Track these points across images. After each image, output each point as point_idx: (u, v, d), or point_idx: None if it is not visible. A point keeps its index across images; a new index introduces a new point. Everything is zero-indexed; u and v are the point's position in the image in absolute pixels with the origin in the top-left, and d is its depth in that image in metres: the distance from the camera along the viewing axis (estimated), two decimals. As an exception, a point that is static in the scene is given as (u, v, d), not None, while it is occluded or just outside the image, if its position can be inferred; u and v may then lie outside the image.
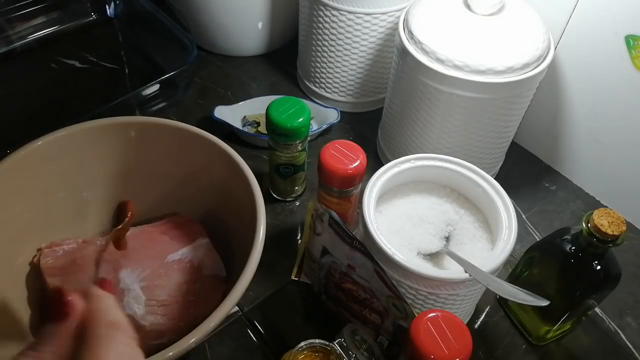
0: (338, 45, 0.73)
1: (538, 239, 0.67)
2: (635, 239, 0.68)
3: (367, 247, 0.47)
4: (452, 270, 0.50)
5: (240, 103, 0.77)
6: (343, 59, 0.74)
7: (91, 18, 0.90)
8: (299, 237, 0.66)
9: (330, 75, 0.77)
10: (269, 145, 0.63)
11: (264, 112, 0.61)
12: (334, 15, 0.70)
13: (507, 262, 0.50)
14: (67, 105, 0.77)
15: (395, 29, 0.70)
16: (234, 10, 0.81)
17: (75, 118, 0.57)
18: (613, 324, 0.60)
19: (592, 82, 0.65)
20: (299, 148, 0.63)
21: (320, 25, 0.72)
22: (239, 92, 0.82)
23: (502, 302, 0.61)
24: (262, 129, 0.74)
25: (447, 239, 0.54)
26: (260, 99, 0.77)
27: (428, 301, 0.49)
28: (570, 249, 0.51)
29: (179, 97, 0.79)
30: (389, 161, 0.55)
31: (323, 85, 0.80)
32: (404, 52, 0.60)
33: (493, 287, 0.45)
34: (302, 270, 0.60)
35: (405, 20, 0.61)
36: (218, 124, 0.73)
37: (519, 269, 0.57)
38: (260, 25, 0.84)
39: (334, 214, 0.49)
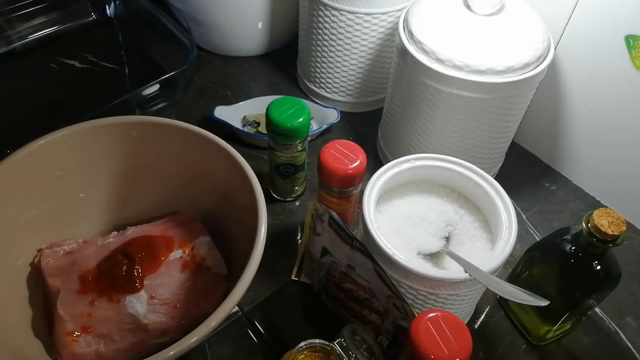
0: (338, 45, 0.73)
1: (538, 239, 0.67)
2: (635, 239, 0.68)
3: (367, 247, 0.47)
4: (452, 270, 0.50)
5: (240, 103, 0.77)
6: (343, 59, 0.74)
7: (91, 18, 0.90)
8: (299, 237, 0.66)
9: (330, 75, 0.77)
10: (269, 145, 0.63)
11: (264, 112, 0.61)
12: (334, 15, 0.70)
13: (507, 262, 0.50)
14: (67, 105, 0.77)
15: (395, 29, 0.70)
16: (234, 10, 0.81)
17: (75, 118, 0.57)
18: (613, 324, 0.60)
19: (592, 82, 0.65)
20: (299, 148, 0.63)
21: (320, 25, 0.72)
22: (239, 92, 0.82)
23: (502, 302, 0.61)
24: (262, 129, 0.74)
25: (447, 239, 0.54)
26: (260, 99, 0.77)
27: (428, 301, 0.49)
28: (570, 249, 0.51)
29: (179, 97, 0.79)
30: (389, 161, 0.55)
31: (323, 85, 0.80)
32: (404, 52, 0.60)
33: (493, 287, 0.45)
34: (302, 270, 0.60)
35: (405, 20, 0.61)
36: (218, 124, 0.73)
37: (519, 269, 0.57)
38: (260, 25, 0.84)
39: (334, 214, 0.49)
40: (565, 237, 0.52)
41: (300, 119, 0.59)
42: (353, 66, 0.75)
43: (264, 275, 0.60)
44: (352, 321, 0.54)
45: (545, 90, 0.70)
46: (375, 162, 0.74)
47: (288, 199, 0.69)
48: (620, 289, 0.52)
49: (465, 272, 0.47)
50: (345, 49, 0.73)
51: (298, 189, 0.69)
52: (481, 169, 0.55)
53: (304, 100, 0.64)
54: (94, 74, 0.82)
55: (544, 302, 0.45)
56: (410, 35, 0.59)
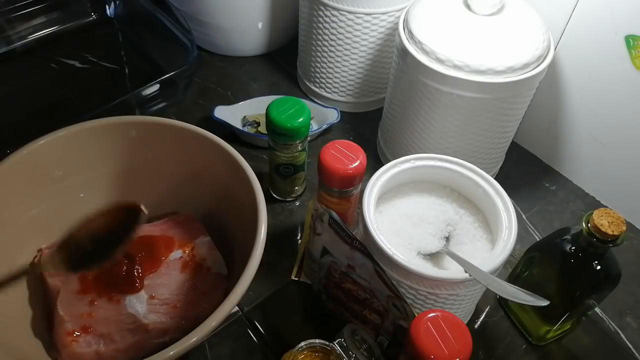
0: (338, 45, 0.73)
1: (538, 239, 0.67)
2: (635, 239, 0.68)
3: (367, 247, 0.47)
4: (452, 270, 0.50)
5: (240, 103, 0.77)
6: (343, 59, 0.74)
7: (91, 18, 0.90)
8: (299, 237, 0.66)
9: (330, 75, 0.77)
10: (269, 145, 0.63)
11: (264, 112, 0.61)
12: (334, 15, 0.70)
13: (507, 262, 0.50)
14: (67, 105, 0.77)
15: (395, 29, 0.70)
16: (234, 10, 0.81)
17: (76, 118, 0.57)
18: (613, 324, 0.60)
19: (592, 82, 0.65)
20: (299, 148, 0.63)
21: (320, 25, 0.72)
22: (239, 92, 0.82)
23: (502, 302, 0.61)
24: (262, 129, 0.74)
25: (447, 239, 0.54)
26: (260, 99, 0.77)
27: (428, 301, 0.49)
28: (570, 249, 0.51)
29: (179, 97, 0.79)
30: (389, 161, 0.55)
31: (323, 85, 0.80)
32: (404, 52, 0.60)
33: (493, 287, 0.45)
34: (302, 270, 0.60)
35: (405, 20, 0.61)
36: (218, 124, 0.73)
37: (519, 269, 0.57)
38: (260, 25, 0.84)
39: (334, 214, 0.49)
40: (565, 237, 0.52)
41: (300, 119, 0.59)
42: (353, 66, 0.75)
43: (264, 275, 0.60)
44: (352, 321, 0.54)
45: (545, 90, 0.70)
46: (375, 162, 0.74)
47: (288, 199, 0.69)
48: (620, 289, 0.52)
49: (465, 272, 0.47)
50: (345, 49, 0.73)
51: (298, 189, 0.69)
52: (481, 169, 0.55)
53: (304, 100, 0.64)
54: (94, 74, 0.82)
55: (544, 302, 0.45)
56: (410, 35, 0.59)
